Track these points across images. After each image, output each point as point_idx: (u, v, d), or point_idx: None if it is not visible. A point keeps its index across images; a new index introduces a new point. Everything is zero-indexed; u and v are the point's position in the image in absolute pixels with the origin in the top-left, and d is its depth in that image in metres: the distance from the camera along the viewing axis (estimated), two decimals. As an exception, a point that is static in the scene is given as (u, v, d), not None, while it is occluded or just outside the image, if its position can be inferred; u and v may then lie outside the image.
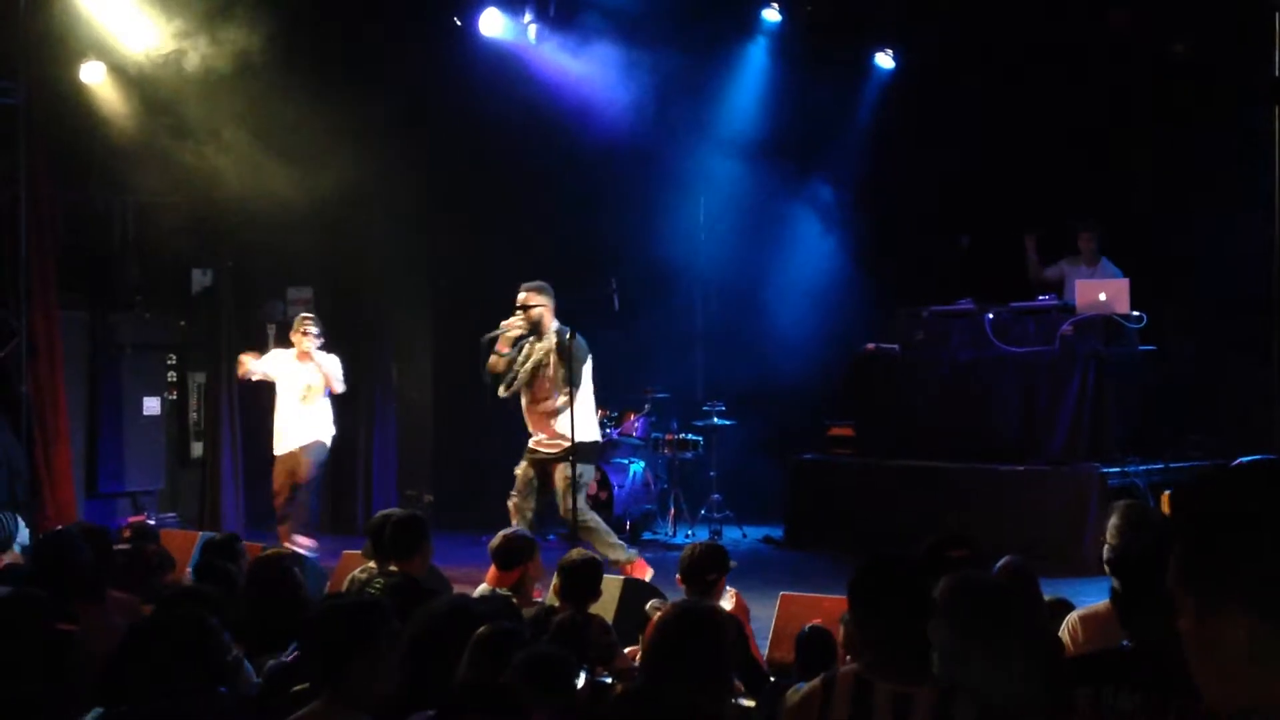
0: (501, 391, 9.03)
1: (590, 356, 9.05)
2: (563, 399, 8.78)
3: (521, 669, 3.49)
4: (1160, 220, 11.78)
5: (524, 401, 9.07)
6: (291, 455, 10.25)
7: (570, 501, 8.67)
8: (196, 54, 10.58)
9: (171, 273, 12.45)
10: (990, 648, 3.17)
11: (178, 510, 12.00)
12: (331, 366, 10.35)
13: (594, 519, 8.89)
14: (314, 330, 10.30)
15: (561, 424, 8.79)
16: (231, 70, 10.60)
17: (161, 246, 12.06)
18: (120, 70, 10.80)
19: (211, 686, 3.61)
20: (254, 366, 10.31)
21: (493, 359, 9.00)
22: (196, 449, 12.40)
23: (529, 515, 8.85)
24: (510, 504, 8.99)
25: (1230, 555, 1.27)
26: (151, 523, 9.55)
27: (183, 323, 12.35)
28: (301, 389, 10.28)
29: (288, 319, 13.04)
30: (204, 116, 11.01)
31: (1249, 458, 1.35)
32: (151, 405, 11.87)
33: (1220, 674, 1.27)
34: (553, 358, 8.86)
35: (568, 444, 8.72)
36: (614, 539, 8.89)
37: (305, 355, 10.25)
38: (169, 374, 12.29)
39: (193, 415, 12.52)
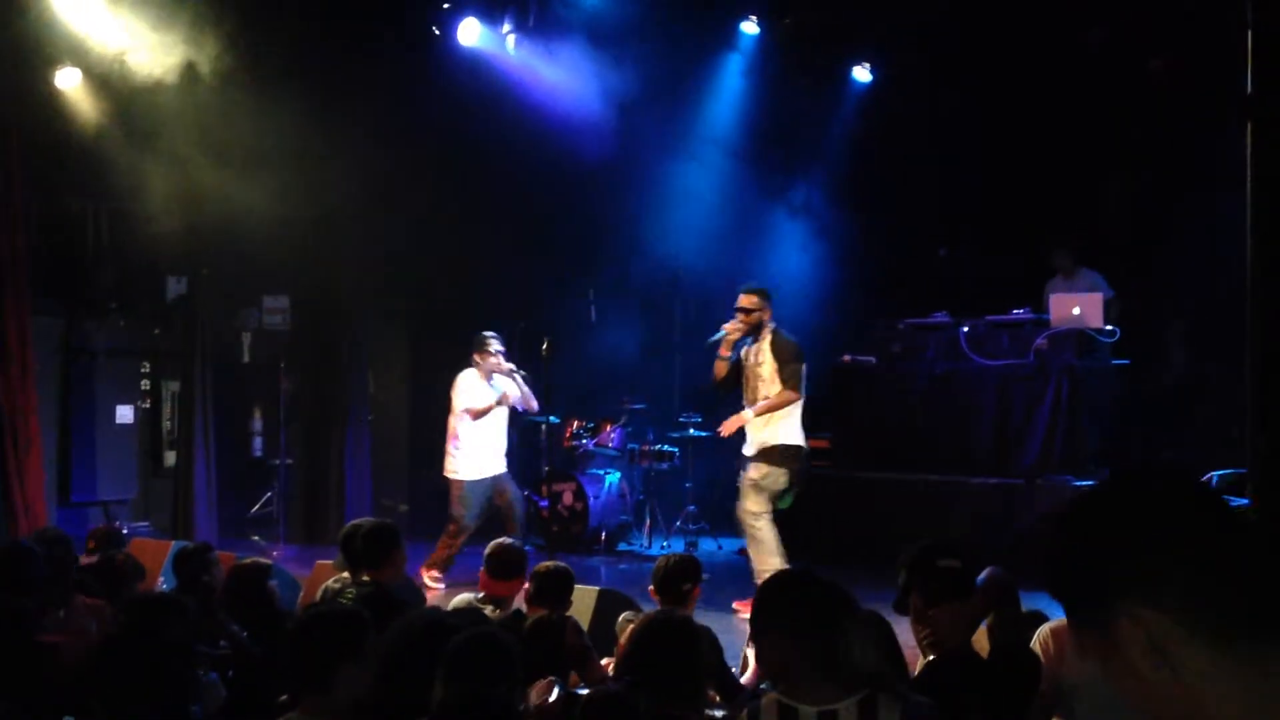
0: (723, 393, 9.08)
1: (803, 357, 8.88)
2: (770, 398, 8.67)
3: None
4: (1136, 234, 11.85)
5: (746, 404, 8.90)
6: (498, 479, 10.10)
7: (747, 501, 8.60)
8: (174, 62, 10.54)
9: (146, 280, 12.39)
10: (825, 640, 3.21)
11: (150, 519, 11.94)
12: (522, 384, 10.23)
13: (765, 529, 8.60)
14: (498, 348, 10.14)
15: (766, 426, 8.70)
16: (209, 78, 10.57)
17: (136, 253, 12.02)
18: (96, 76, 10.76)
19: (183, 706, 3.59)
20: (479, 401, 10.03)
21: (717, 364, 8.93)
22: (170, 457, 12.34)
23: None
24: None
25: (1111, 563, 1.29)
26: (124, 531, 9.48)
27: (157, 330, 12.29)
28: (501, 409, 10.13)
29: (262, 327, 13.01)
30: (180, 124, 10.96)
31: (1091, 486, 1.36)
32: (125, 413, 11.81)
33: (1138, 691, 1.28)
34: (767, 358, 8.76)
35: (766, 446, 8.67)
36: (778, 556, 8.57)
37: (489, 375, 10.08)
38: (143, 382, 12.23)
39: (166, 424, 12.46)
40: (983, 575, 4.54)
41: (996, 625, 4.43)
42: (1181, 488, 1.30)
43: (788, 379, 8.65)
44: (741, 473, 8.79)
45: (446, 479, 10.07)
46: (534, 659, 4.70)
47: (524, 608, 5.56)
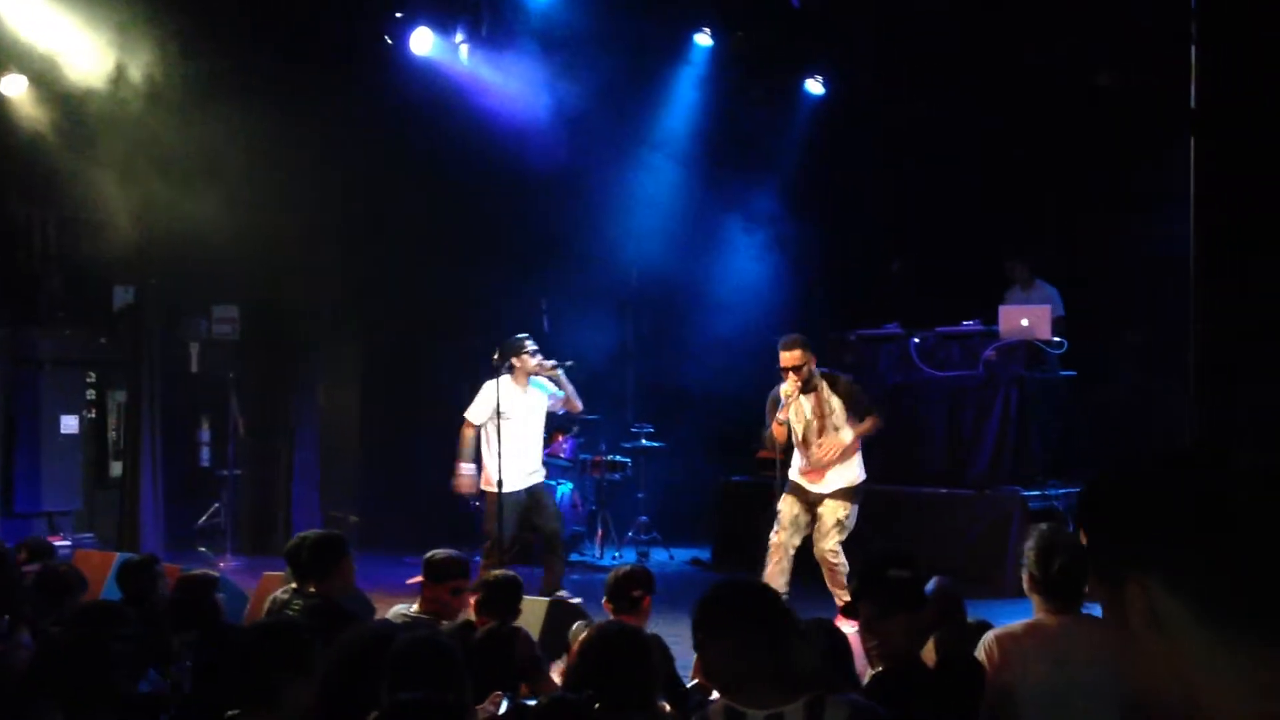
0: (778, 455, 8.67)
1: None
2: (849, 435, 8.44)
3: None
4: (1082, 246, 11.98)
5: (800, 457, 8.60)
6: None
7: (831, 542, 8.35)
8: (123, 71, 10.43)
9: (93, 289, 12.25)
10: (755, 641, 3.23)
11: (95, 530, 11.78)
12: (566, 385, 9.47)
13: (844, 561, 8.36)
14: (534, 348, 9.38)
15: (846, 464, 8.49)
16: (158, 87, 10.47)
17: (83, 262, 11.88)
18: (42, 84, 10.63)
19: (106, 714, 3.55)
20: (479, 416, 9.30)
21: (776, 429, 8.51)
22: (115, 468, 12.18)
23: (792, 553, 8.44)
24: (774, 541, 8.51)
25: (1123, 526, 1.35)
26: (66, 542, 9.36)
27: (104, 340, 12.14)
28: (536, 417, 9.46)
29: (211, 337, 12.89)
30: (129, 133, 10.85)
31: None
32: (70, 423, 11.66)
33: (1137, 654, 1.33)
34: (836, 405, 8.46)
35: (851, 485, 8.47)
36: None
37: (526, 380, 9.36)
38: (88, 392, 12.08)
39: (112, 434, 12.31)
40: (930, 585, 4.56)
41: (943, 635, 4.44)
42: (1216, 472, 1.33)
43: (869, 409, 8.49)
44: (789, 504, 8.52)
45: (482, 493, 9.42)
46: (485, 670, 4.67)
47: (472, 617, 5.54)
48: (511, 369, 9.29)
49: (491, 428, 9.13)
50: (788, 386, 8.37)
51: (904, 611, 3.83)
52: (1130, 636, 1.32)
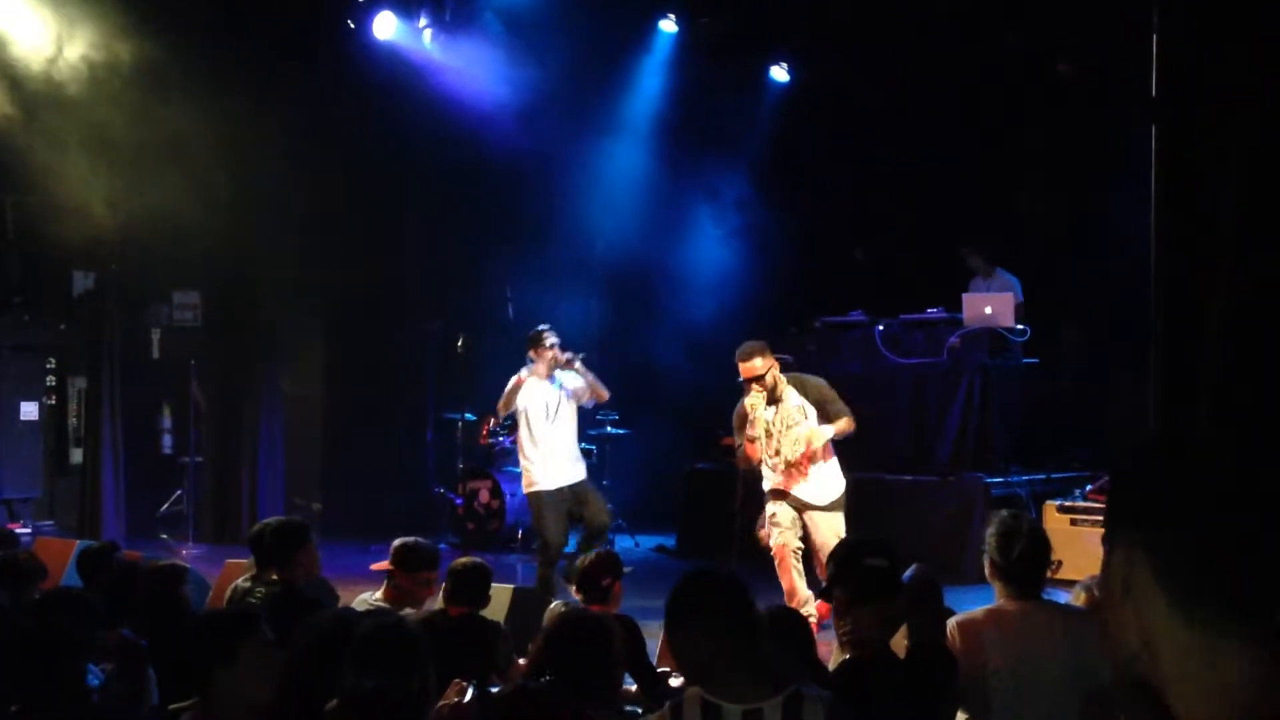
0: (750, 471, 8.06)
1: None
2: (842, 427, 7.83)
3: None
4: (1045, 236, 12.05)
5: (775, 467, 7.93)
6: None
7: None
8: (83, 54, 10.32)
9: (52, 274, 12.14)
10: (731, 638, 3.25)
11: (55, 518, 11.69)
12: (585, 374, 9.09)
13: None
14: (554, 340, 9.04)
15: (829, 475, 7.91)
16: (118, 70, 10.36)
17: (42, 247, 11.76)
18: (0, 66, 10.50)
19: (66, 703, 3.52)
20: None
21: (748, 448, 7.93)
22: (76, 455, 12.08)
23: (799, 552, 7.87)
24: (777, 542, 7.91)
25: (1122, 492, 1.44)
26: (26, 529, 9.26)
27: (63, 326, 12.03)
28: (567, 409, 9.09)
29: (173, 323, 12.79)
30: (88, 116, 10.74)
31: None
32: (29, 410, 11.55)
33: (1112, 615, 1.40)
34: (808, 410, 7.84)
35: (834, 495, 7.86)
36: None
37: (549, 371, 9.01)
38: (48, 378, 11.96)
39: (72, 421, 12.20)
40: (908, 573, 4.56)
41: (915, 624, 4.45)
42: (1217, 460, 1.38)
43: (844, 409, 7.87)
44: (781, 507, 7.97)
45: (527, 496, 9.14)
46: (458, 659, 4.66)
47: (440, 604, 5.52)
48: (531, 362, 9.01)
49: (522, 426, 8.93)
50: (752, 398, 7.83)
51: (877, 600, 3.82)
52: (1107, 597, 1.40)
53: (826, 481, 7.90)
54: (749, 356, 7.82)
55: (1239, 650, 1.30)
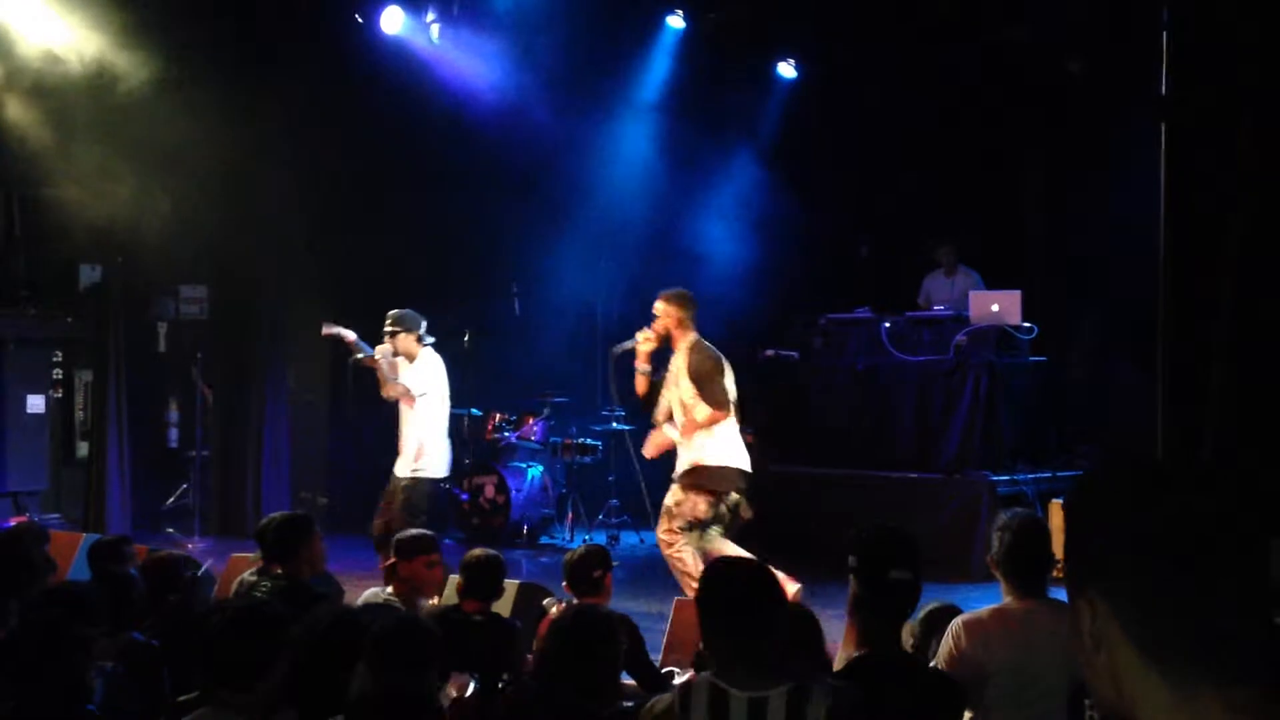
0: (656, 416, 7.96)
1: (726, 369, 7.79)
2: (683, 418, 7.70)
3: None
4: (1052, 232, 12.03)
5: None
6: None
7: (660, 528, 7.67)
8: (91, 48, 10.32)
9: (59, 267, 12.14)
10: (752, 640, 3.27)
11: (62, 511, 11.69)
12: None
13: (679, 555, 7.54)
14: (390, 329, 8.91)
15: (687, 447, 7.72)
16: (126, 65, 10.36)
17: (49, 240, 11.77)
18: (8, 62, 10.51)
19: (73, 701, 3.52)
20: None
21: (637, 379, 7.91)
22: (82, 448, 12.09)
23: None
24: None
25: (1079, 545, 1.39)
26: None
27: (70, 319, 12.03)
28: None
29: (179, 317, 12.80)
30: (96, 110, 10.74)
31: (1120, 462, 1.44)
32: (36, 403, 11.54)
33: (1084, 664, 1.37)
34: (683, 376, 7.70)
35: (685, 467, 7.67)
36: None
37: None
38: (54, 371, 11.96)
39: (79, 414, 12.21)
40: (926, 609, 4.54)
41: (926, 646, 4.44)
42: (1171, 493, 1.35)
43: (709, 399, 7.59)
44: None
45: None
46: (474, 653, 4.67)
47: (457, 600, 5.52)
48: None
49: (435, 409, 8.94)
50: (640, 333, 7.86)
51: (898, 617, 3.80)
52: (1078, 646, 1.37)
53: (684, 455, 7.68)
54: (661, 298, 7.88)
55: (1210, 699, 1.28)
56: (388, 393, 8.86)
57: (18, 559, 5.43)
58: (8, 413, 11.29)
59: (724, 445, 7.72)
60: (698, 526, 7.60)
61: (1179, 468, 1.38)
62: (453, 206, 12.66)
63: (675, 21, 12.28)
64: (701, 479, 7.63)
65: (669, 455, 7.94)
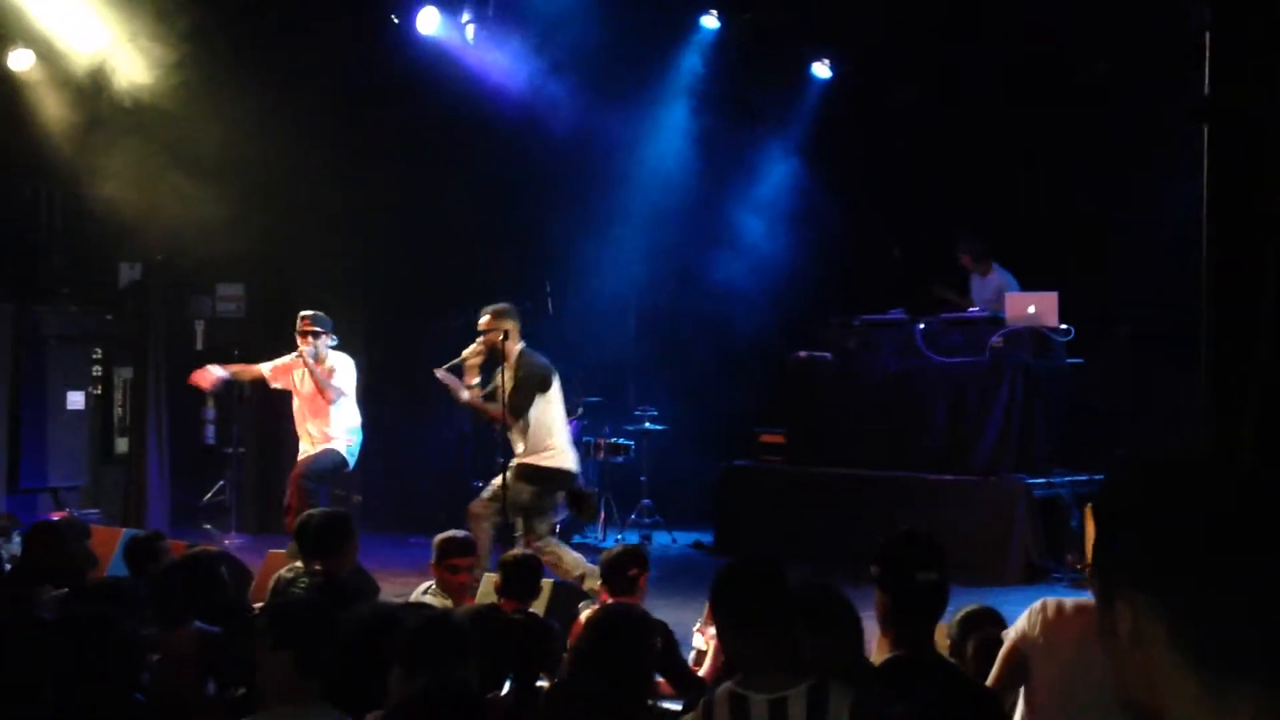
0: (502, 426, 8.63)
1: (553, 378, 8.53)
2: (512, 421, 8.41)
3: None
4: (1090, 232, 11.95)
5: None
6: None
7: (481, 502, 8.40)
8: (131, 47, 10.42)
9: (99, 265, 12.26)
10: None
11: (100, 506, 11.81)
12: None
13: (550, 548, 8.27)
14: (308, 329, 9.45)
15: (516, 447, 8.51)
16: (164, 63, 10.45)
17: (89, 238, 11.89)
18: (49, 59, 10.62)
19: (123, 693, 3.56)
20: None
21: (469, 393, 8.55)
22: (121, 444, 12.21)
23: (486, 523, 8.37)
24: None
25: (1117, 543, 1.39)
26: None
27: (109, 316, 12.15)
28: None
29: (216, 314, 12.89)
30: (134, 108, 10.84)
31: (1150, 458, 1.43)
32: (75, 400, 11.67)
33: (1116, 661, 1.37)
34: (507, 381, 8.38)
35: (517, 465, 8.41)
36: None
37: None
38: (94, 368, 12.08)
39: (118, 410, 12.32)
40: (961, 613, 4.54)
41: (976, 649, 4.43)
42: (1213, 487, 1.35)
43: (515, 403, 8.32)
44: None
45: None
46: (511, 652, 4.69)
47: (494, 599, 5.55)
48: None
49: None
50: (468, 349, 8.49)
51: (929, 618, 3.78)
52: (1117, 643, 1.37)
53: (518, 454, 8.42)
54: (487, 313, 8.50)
55: (1248, 697, 1.28)
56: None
57: (53, 549, 5.50)
58: (49, 409, 11.42)
59: (554, 447, 8.49)
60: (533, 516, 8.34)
61: (1219, 464, 1.37)
62: (487, 206, 12.70)
63: (709, 21, 12.28)
64: (546, 479, 8.43)
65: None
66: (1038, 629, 3.78)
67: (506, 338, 8.36)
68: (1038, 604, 3.86)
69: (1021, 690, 3.85)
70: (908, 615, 3.71)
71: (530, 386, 8.39)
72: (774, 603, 3.32)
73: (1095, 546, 1.42)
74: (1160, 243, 10.26)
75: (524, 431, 8.41)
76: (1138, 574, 1.34)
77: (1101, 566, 1.40)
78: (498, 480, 8.43)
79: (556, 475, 8.51)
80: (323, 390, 9.35)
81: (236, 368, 9.83)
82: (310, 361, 9.34)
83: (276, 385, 9.71)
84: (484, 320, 8.46)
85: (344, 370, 9.51)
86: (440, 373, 8.50)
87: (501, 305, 8.55)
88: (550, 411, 8.50)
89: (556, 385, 8.56)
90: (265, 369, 9.69)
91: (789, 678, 3.24)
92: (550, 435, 8.49)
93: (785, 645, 3.29)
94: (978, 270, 11.51)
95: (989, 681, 3.89)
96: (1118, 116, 11.19)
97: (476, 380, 8.56)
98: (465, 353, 8.51)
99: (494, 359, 8.55)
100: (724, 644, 3.51)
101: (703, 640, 6.03)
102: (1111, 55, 11.13)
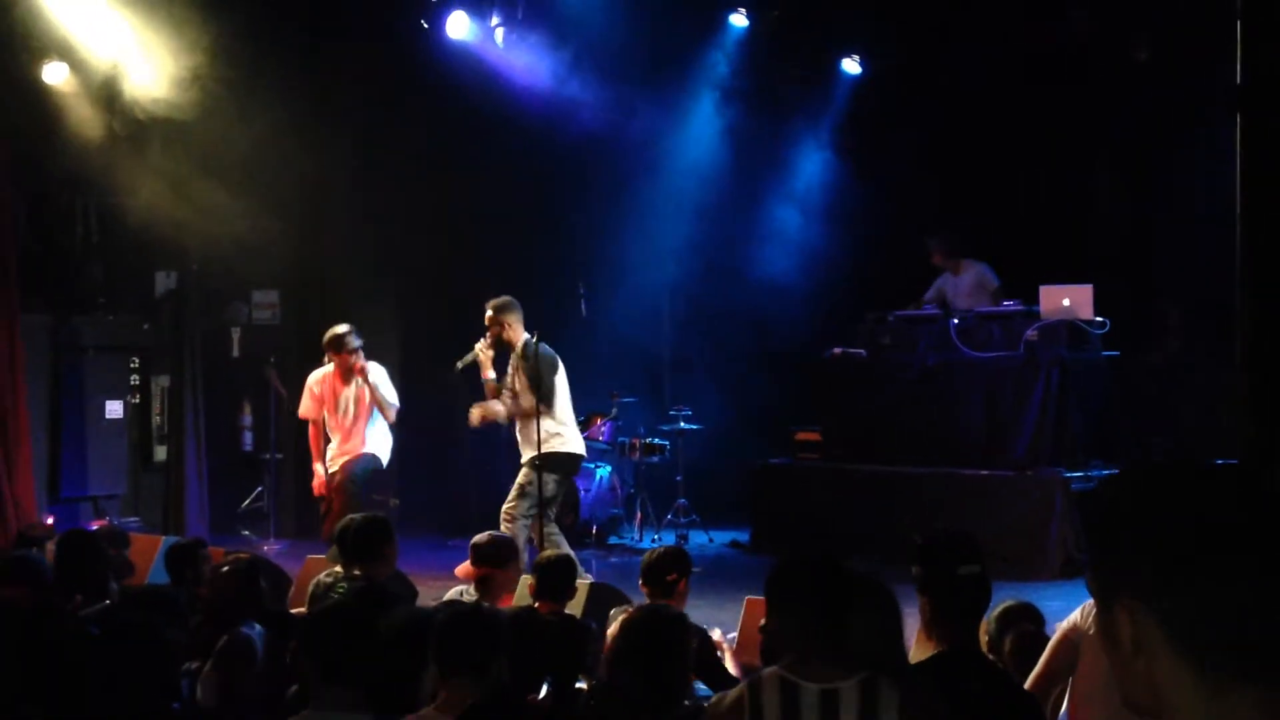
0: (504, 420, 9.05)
1: (559, 366, 8.91)
2: (527, 407, 8.71)
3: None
4: (1124, 225, 11.87)
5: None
6: None
7: (509, 503, 8.59)
8: (163, 56, 10.49)
9: (135, 275, 12.35)
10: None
11: (140, 514, 11.90)
12: None
13: (519, 534, 8.40)
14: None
15: (530, 432, 8.72)
16: (195, 73, 10.52)
17: (125, 248, 11.97)
18: (83, 71, 10.70)
19: (163, 701, 3.59)
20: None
21: (486, 387, 8.95)
22: (160, 453, 12.29)
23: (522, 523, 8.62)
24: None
25: (1113, 551, 1.38)
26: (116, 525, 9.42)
27: (146, 325, 12.24)
28: None
29: (252, 322, 12.97)
30: (168, 118, 10.91)
31: (1139, 465, 1.42)
32: (114, 408, 11.75)
33: (1119, 668, 1.37)
34: (520, 377, 8.78)
35: (532, 453, 8.66)
36: None
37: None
38: (132, 377, 12.17)
39: (156, 419, 12.41)
40: (1002, 607, 4.54)
41: (1014, 644, 4.43)
42: (1205, 491, 1.34)
43: (542, 395, 8.60)
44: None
45: None
46: (548, 655, 4.70)
47: (530, 600, 5.55)
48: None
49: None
50: (478, 345, 8.84)
51: (973, 615, 3.76)
52: (1119, 651, 1.36)
53: (531, 440, 8.61)
54: (492, 307, 8.83)
55: (1249, 700, 1.28)
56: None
57: (86, 555, 5.55)
58: (88, 418, 11.51)
59: (566, 433, 8.81)
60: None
61: (1213, 468, 1.36)
62: (520, 208, 12.73)
63: (738, 19, 12.27)
64: (561, 463, 8.73)
65: None
66: (1090, 620, 3.78)
67: (508, 329, 8.74)
68: (1088, 601, 3.85)
69: (1070, 680, 3.86)
70: (951, 613, 3.68)
71: (550, 372, 8.71)
72: (837, 593, 3.35)
73: (1091, 555, 1.42)
74: (1197, 232, 10.18)
75: (539, 421, 8.60)
76: (1135, 581, 1.34)
77: (1099, 575, 1.39)
78: (521, 478, 8.64)
79: (572, 460, 8.92)
80: (384, 410, 9.59)
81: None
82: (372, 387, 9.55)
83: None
84: (487, 315, 8.84)
85: (386, 382, 9.74)
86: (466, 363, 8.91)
87: (503, 299, 8.89)
88: (561, 398, 8.84)
89: (563, 371, 8.88)
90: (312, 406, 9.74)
91: (840, 670, 3.24)
92: (564, 423, 8.83)
93: (839, 637, 3.30)
94: (949, 268, 11.41)
95: (1039, 669, 3.90)
96: (1155, 105, 11.11)
97: (492, 375, 8.91)
98: (476, 347, 8.86)
99: (504, 353, 8.91)
100: (778, 632, 3.50)
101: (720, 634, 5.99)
102: (1145, 42, 11.04)
